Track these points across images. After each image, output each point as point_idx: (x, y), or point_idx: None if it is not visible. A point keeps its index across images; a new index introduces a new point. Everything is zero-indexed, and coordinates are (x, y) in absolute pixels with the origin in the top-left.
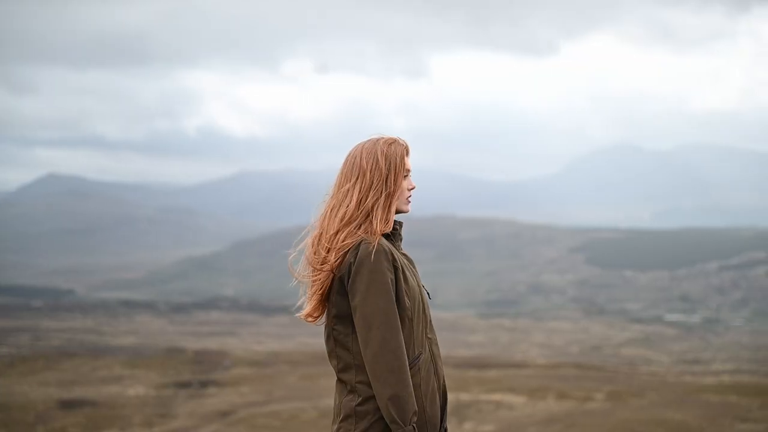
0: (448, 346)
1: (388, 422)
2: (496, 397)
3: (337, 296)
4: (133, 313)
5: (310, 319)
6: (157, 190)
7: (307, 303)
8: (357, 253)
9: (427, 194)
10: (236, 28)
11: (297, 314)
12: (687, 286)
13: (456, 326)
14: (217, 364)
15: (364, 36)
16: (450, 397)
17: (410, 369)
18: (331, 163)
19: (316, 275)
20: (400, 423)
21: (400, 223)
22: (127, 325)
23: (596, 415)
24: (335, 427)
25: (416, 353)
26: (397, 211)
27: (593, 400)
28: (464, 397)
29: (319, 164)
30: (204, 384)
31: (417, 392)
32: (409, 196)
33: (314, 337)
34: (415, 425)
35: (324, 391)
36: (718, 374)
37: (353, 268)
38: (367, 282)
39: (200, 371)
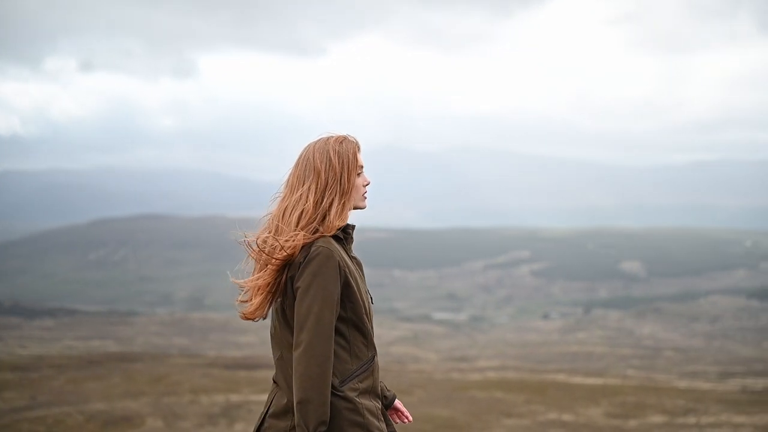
0: (218, 347)
1: (296, 424)
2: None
3: (290, 298)
4: None
5: (255, 317)
6: None
7: (251, 300)
8: (307, 254)
9: (196, 195)
10: None
11: (239, 312)
12: (454, 285)
13: (226, 327)
14: None
15: (130, 34)
16: (220, 398)
17: (365, 371)
18: (97, 162)
19: (264, 270)
20: (304, 428)
21: (353, 227)
22: None
23: None
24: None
25: (370, 355)
26: (355, 208)
27: None
28: (234, 398)
29: (84, 164)
30: None
31: (373, 391)
32: (365, 193)
33: (79, 341)
34: None
35: (91, 395)
36: (483, 371)
37: (301, 268)
38: (309, 284)
39: None
